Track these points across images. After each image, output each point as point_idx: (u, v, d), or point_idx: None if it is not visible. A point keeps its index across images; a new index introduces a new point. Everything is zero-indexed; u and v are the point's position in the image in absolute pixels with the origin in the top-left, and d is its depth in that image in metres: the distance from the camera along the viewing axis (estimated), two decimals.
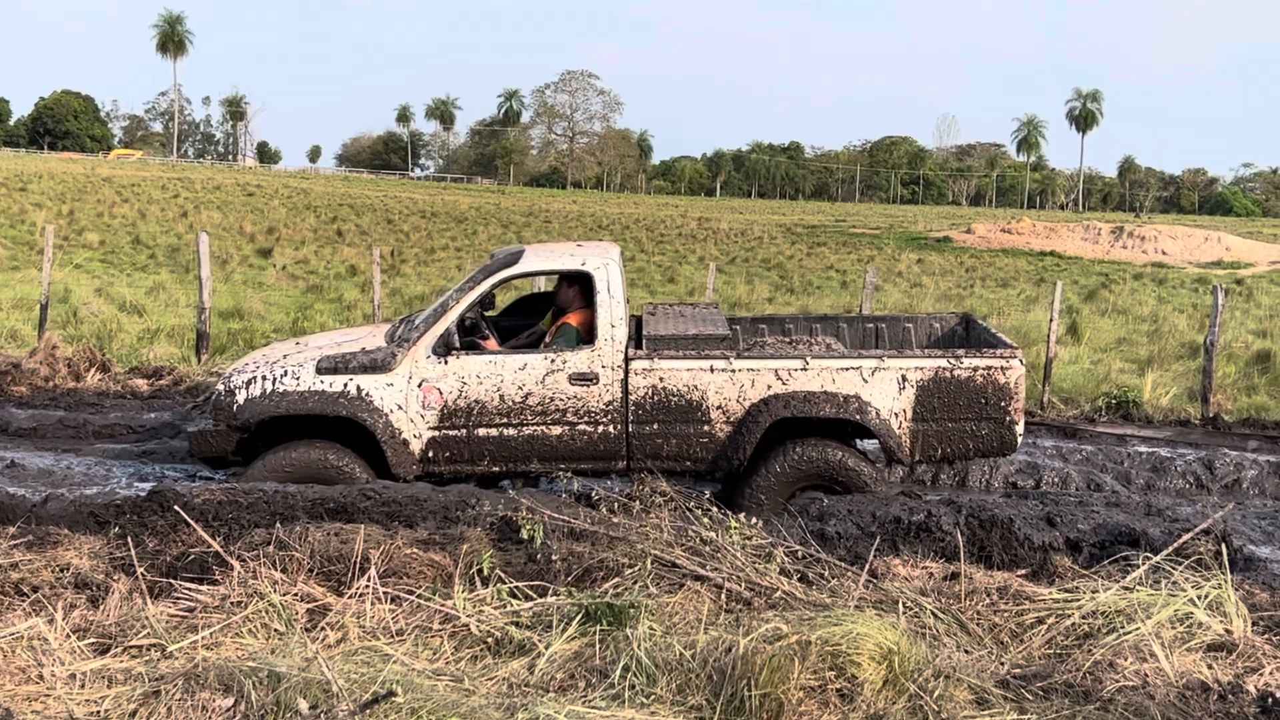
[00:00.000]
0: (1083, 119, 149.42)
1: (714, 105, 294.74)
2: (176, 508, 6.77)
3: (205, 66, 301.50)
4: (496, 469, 8.90)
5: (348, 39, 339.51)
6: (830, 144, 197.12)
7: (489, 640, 5.53)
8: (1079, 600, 5.97)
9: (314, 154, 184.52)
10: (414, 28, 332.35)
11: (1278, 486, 11.05)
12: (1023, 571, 6.87)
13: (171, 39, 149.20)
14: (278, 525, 6.58)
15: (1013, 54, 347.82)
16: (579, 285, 9.27)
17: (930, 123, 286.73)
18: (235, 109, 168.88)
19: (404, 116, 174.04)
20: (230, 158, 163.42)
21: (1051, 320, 15.11)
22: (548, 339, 9.18)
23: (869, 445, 9.55)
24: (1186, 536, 6.93)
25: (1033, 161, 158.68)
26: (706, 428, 8.80)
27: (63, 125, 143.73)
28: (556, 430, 8.79)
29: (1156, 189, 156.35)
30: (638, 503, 7.35)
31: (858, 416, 8.68)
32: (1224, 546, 6.95)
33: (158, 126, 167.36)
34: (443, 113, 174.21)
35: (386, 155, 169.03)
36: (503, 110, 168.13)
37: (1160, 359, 18.56)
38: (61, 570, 6.06)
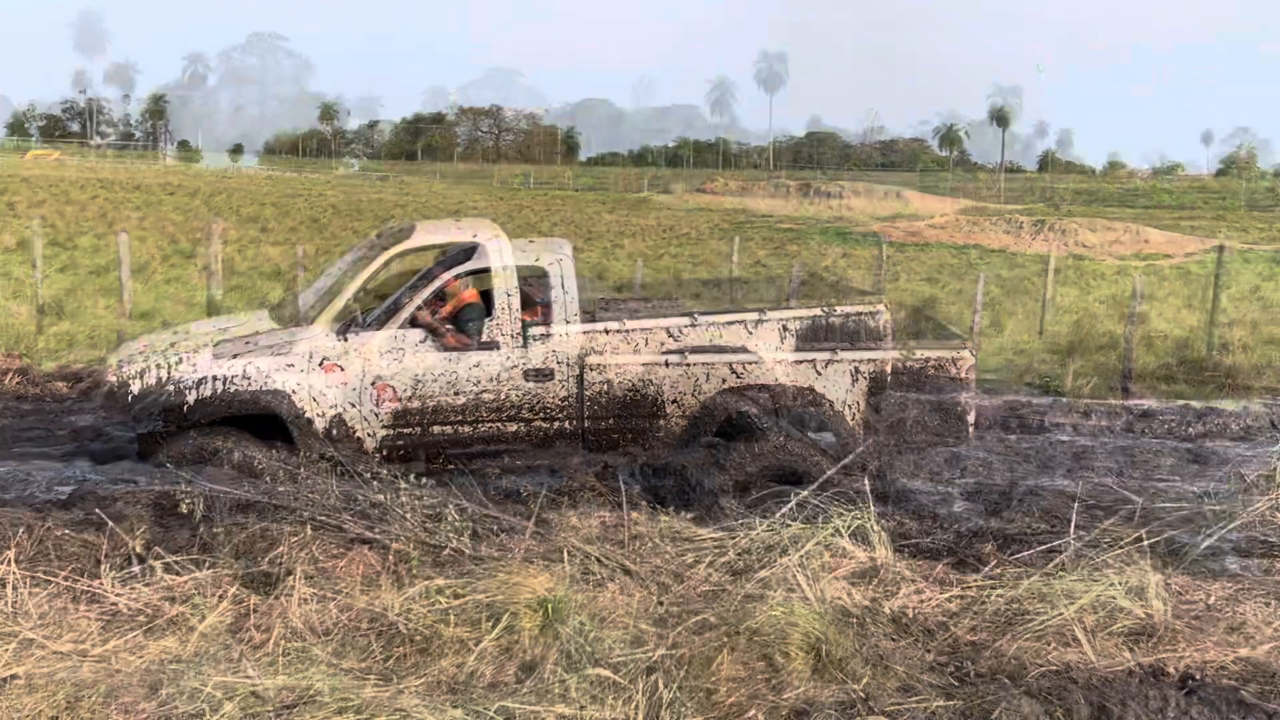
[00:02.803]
0: (1003, 115, 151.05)
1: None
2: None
3: (124, 65, 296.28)
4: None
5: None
6: None
7: (140, 618, 5.50)
8: (735, 538, 6.30)
9: (235, 152, 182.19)
10: (337, 21, 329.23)
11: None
12: (691, 515, 7.08)
13: (89, 37, 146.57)
14: None
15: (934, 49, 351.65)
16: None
17: (858, 118, 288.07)
18: (155, 107, 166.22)
19: (327, 115, 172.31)
20: (150, 155, 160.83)
21: (975, 313, 15.32)
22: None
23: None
24: (831, 470, 7.39)
25: (955, 156, 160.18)
26: (662, 421, 8.82)
27: None
28: (512, 422, 8.77)
29: (1076, 183, 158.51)
30: (304, 470, 7.34)
31: (812, 408, 8.74)
32: (867, 482, 7.31)
33: (76, 126, 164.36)
34: (364, 109, 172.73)
35: (311, 152, 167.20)
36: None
37: (1081, 349, 18.85)
38: None
